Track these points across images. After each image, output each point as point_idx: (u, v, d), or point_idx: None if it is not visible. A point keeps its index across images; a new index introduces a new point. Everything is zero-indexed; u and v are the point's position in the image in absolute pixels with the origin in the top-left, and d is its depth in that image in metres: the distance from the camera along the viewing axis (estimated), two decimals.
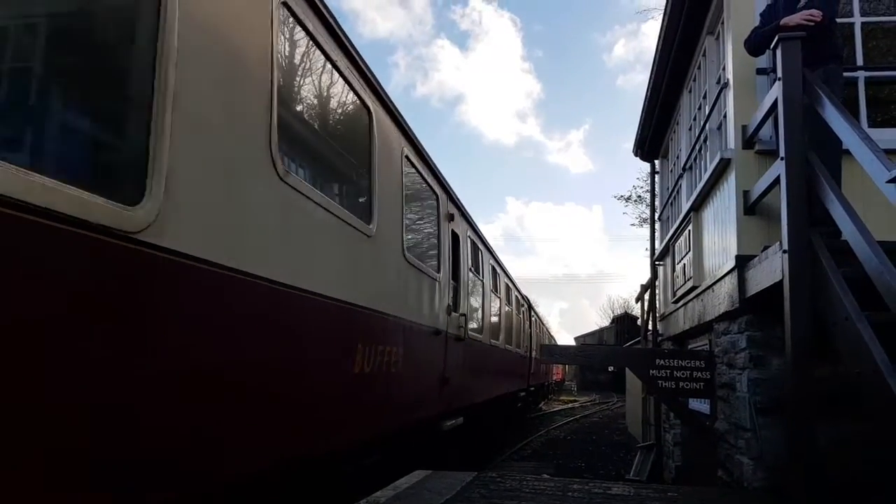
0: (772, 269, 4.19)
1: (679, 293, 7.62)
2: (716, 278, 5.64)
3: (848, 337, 3.31)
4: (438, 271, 6.35)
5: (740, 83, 5.30)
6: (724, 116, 5.84)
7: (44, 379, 1.80)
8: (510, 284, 12.78)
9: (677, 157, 8.86)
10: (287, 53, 3.46)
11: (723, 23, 6.03)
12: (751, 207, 4.95)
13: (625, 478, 9.08)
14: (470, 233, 8.27)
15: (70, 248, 1.86)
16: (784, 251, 3.93)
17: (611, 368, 33.47)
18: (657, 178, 10.88)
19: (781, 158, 4.11)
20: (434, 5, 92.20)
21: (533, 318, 18.46)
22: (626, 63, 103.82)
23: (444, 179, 6.83)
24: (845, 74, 4.89)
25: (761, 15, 5.05)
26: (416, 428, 5.72)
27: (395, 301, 4.84)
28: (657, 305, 10.30)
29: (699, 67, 7.26)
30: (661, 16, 7.26)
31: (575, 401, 35.01)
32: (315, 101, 4.10)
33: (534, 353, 17.44)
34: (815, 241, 3.81)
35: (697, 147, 7.15)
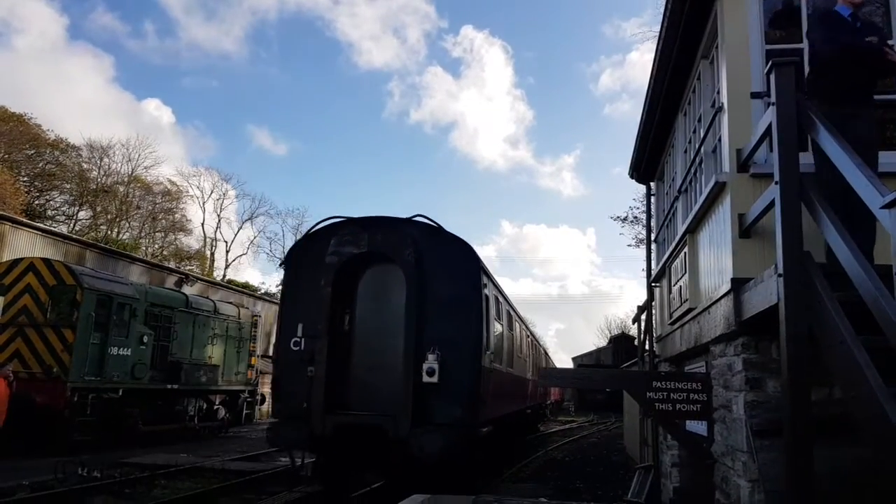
0: (767, 292, 4.20)
1: (675, 315, 7.63)
2: (711, 301, 5.65)
3: (843, 361, 3.32)
4: (529, 358, 18.32)
5: (734, 107, 5.34)
6: (719, 140, 5.88)
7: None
8: (535, 342, 22.54)
9: (673, 180, 8.92)
10: None
11: (717, 47, 6.10)
12: (746, 230, 4.98)
13: (623, 500, 9.02)
14: (542, 347, 25.31)
15: (513, 377, 13.73)
16: (779, 275, 3.95)
17: (608, 389, 33.36)
18: (653, 199, 10.94)
19: (776, 182, 4.14)
20: (427, 36, 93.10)
21: (543, 357, 29.33)
22: (612, 92, 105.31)
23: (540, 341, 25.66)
24: None
25: (821, 21, 4.90)
26: (534, 405, 22.04)
27: (528, 372, 17.57)
28: (654, 327, 10.30)
29: (694, 91, 7.33)
30: (656, 40, 7.34)
31: (573, 421, 34.85)
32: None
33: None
34: (809, 265, 3.83)
35: (692, 170, 7.20)
